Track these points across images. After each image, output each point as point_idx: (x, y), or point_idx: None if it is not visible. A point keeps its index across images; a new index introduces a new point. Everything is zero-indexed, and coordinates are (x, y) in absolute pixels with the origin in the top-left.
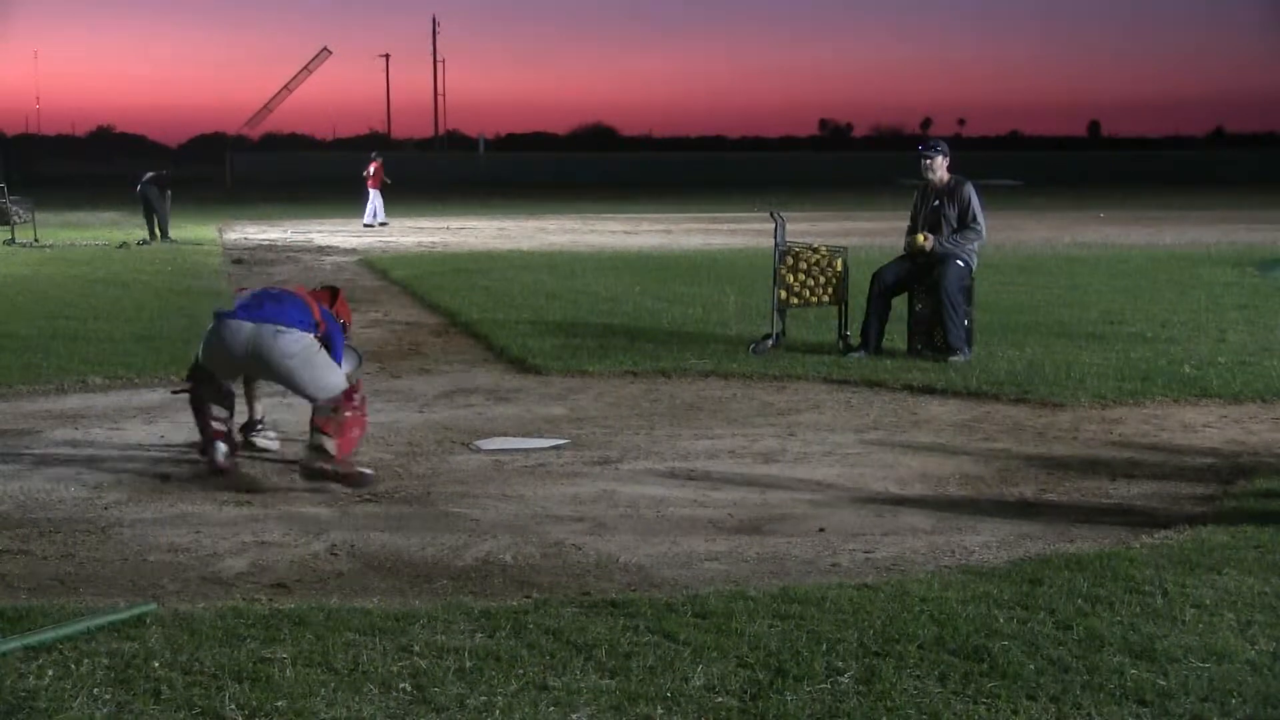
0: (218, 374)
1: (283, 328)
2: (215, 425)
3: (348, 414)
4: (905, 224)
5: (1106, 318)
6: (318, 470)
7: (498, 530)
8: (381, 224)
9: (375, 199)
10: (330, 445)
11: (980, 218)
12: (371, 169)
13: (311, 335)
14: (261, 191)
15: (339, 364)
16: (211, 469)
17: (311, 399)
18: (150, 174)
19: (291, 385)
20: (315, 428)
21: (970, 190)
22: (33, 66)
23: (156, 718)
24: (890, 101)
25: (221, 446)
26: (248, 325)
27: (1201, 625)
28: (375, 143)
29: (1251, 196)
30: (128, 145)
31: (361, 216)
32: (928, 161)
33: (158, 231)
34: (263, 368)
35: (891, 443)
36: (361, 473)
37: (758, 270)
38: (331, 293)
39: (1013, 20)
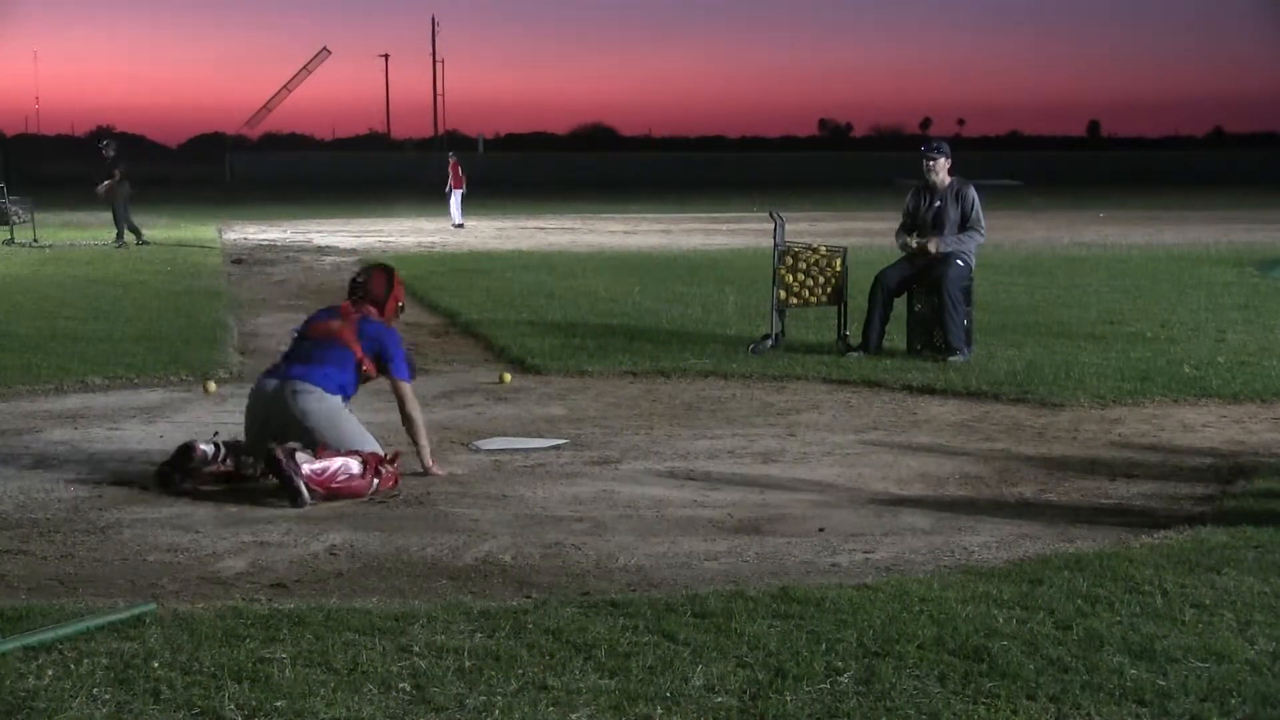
0: (246, 439)
1: (305, 387)
2: (200, 447)
3: (341, 479)
4: (897, 224)
5: (1106, 318)
6: (278, 463)
7: (497, 530)
8: (456, 225)
9: (455, 199)
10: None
11: (982, 220)
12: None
13: (340, 397)
14: (261, 191)
15: (401, 368)
16: (156, 472)
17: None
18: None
19: (315, 443)
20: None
21: (974, 193)
22: (32, 66)
23: (156, 718)
24: (890, 101)
25: (166, 471)
26: (273, 382)
27: (1201, 625)
28: (376, 142)
29: (1251, 196)
30: (127, 145)
31: (451, 217)
32: (930, 163)
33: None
34: (281, 426)
35: (891, 443)
36: (299, 491)
37: (757, 270)
38: (385, 277)
39: (1013, 20)
